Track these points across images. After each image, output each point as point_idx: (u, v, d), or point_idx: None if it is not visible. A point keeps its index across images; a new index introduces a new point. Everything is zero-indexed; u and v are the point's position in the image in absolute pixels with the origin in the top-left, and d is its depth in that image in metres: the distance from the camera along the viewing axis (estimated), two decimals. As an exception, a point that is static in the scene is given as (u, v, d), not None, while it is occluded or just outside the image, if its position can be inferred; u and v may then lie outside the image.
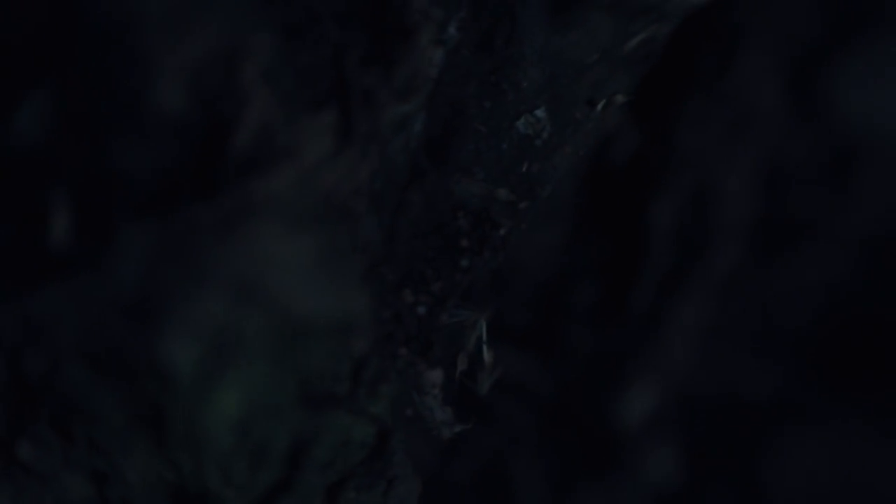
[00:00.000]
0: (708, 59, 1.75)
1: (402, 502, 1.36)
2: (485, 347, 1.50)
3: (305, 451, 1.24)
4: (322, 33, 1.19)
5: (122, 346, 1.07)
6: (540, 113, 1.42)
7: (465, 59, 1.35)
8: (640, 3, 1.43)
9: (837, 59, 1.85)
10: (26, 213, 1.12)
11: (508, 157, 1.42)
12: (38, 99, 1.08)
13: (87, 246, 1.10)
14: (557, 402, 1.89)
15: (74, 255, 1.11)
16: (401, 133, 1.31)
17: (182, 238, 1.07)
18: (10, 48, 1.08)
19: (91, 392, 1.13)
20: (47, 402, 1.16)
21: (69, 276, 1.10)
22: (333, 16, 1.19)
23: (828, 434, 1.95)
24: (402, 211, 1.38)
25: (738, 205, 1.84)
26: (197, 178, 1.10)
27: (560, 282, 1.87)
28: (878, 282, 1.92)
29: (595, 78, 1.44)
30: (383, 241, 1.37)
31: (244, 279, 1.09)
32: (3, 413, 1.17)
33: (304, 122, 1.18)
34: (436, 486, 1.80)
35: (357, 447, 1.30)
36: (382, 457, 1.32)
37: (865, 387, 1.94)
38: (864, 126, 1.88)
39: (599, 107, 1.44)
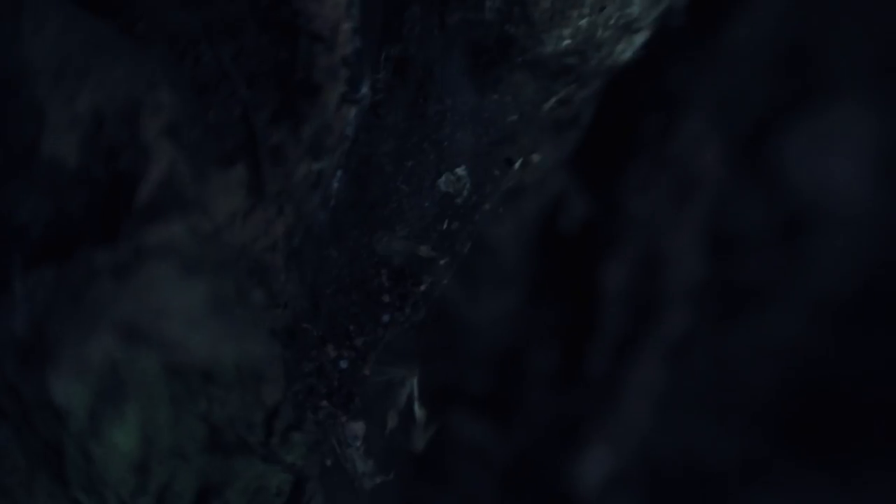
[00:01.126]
0: (651, 123, 1.80)
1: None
2: (416, 405, 1.54)
3: (216, 495, 1.27)
4: (232, 91, 1.24)
5: (17, 385, 1.12)
6: (461, 171, 1.47)
7: (383, 118, 1.40)
8: (561, 64, 1.48)
9: (785, 125, 1.89)
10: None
11: (430, 215, 1.47)
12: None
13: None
14: (515, 465, 1.92)
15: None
16: (317, 190, 1.36)
17: (77, 283, 1.12)
18: None
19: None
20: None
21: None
22: (243, 74, 1.24)
23: (789, 498, 1.96)
24: (325, 267, 1.43)
25: (688, 268, 1.88)
26: (95, 227, 1.15)
27: (516, 346, 1.91)
28: (834, 344, 1.94)
29: (515, 137, 1.48)
30: (306, 297, 1.42)
31: (138, 323, 1.13)
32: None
33: (212, 176, 1.23)
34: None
35: (272, 494, 1.33)
36: (300, 505, 1.36)
37: (825, 449, 1.95)
38: (815, 191, 1.91)
39: (517, 165, 1.49)
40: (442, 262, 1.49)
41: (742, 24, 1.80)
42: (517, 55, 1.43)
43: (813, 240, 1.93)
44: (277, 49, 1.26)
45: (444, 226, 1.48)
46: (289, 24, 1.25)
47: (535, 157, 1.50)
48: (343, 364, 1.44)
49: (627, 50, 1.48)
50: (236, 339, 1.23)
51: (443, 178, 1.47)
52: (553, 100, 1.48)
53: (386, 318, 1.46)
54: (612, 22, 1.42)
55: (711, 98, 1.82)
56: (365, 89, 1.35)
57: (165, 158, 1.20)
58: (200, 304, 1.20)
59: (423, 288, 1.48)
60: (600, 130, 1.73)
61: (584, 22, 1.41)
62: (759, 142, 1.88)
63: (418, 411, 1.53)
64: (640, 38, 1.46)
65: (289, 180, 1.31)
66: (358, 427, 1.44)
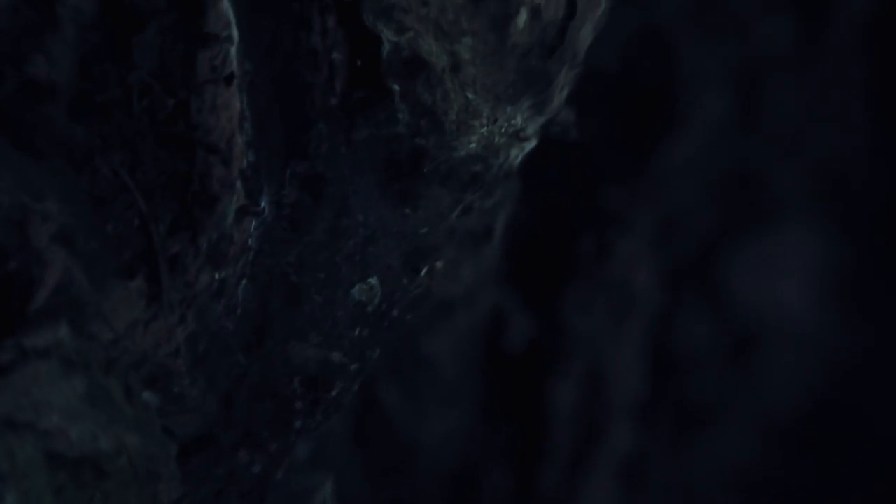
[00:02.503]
0: (585, 243, 1.85)
1: None
2: (332, 513, 1.59)
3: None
4: (130, 202, 1.31)
5: None
6: (373, 281, 1.53)
7: (292, 231, 1.47)
8: (469, 172, 1.55)
9: (730, 247, 1.94)
10: None
11: (343, 323, 1.53)
12: None
13: None
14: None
15: None
16: (220, 299, 1.42)
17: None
18: None
19: None
20: None
21: None
22: (141, 186, 1.32)
23: None
24: (237, 374, 1.48)
25: (634, 387, 1.91)
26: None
27: (465, 465, 1.94)
28: (784, 464, 1.96)
29: (427, 247, 1.55)
30: (217, 403, 1.47)
31: (16, 416, 1.19)
32: None
33: (111, 286, 1.30)
34: None
35: None
36: None
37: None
38: (762, 312, 1.95)
39: (423, 273, 1.55)
40: (353, 367, 1.54)
41: (678, 148, 1.86)
42: (428, 166, 1.50)
43: (761, 359, 1.96)
44: (175, 161, 1.33)
45: (356, 333, 1.54)
46: (186, 137, 1.33)
47: (439, 265, 1.55)
48: (256, 468, 1.49)
49: (519, 155, 1.55)
50: (124, 435, 1.29)
51: (356, 289, 1.53)
52: (459, 208, 1.55)
53: (297, 424, 1.52)
54: (503, 130, 1.49)
55: (650, 219, 1.88)
56: (264, 203, 1.42)
57: (60, 266, 1.26)
58: (84, 399, 1.25)
59: (334, 394, 1.54)
60: (529, 245, 1.79)
61: (484, 130, 1.48)
62: (705, 263, 1.93)
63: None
64: (528, 146, 1.52)
65: (190, 289, 1.37)
66: (268, 530, 1.48)
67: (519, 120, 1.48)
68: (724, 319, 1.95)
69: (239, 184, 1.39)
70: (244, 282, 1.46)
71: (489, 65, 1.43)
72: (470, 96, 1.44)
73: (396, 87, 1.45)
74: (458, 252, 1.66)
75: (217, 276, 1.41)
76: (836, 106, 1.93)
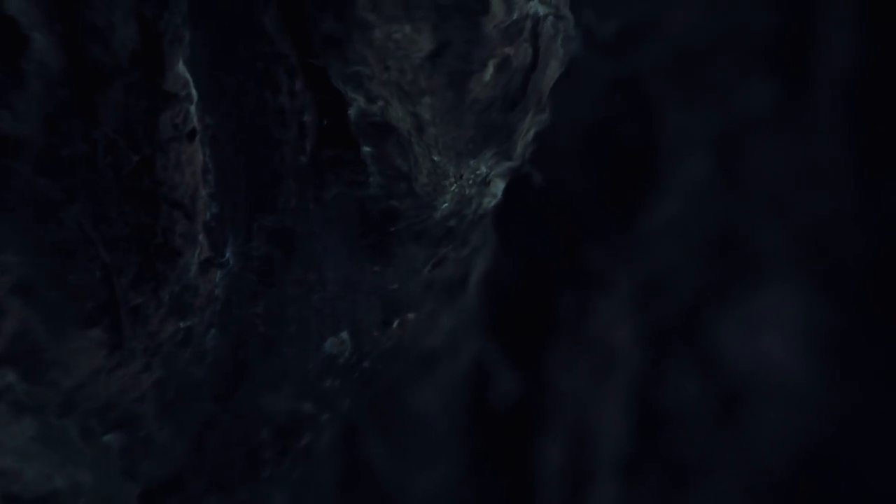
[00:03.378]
0: (567, 299, 1.88)
1: None
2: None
3: None
4: (93, 255, 1.36)
5: None
6: (344, 335, 1.57)
7: (260, 283, 1.52)
8: (444, 228, 1.59)
9: (715, 306, 1.96)
10: None
11: (313, 375, 1.57)
12: None
13: None
14: None
15: None
16: (187, 347, 1.47)
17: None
18: None
19: None
20: None
21: None
22: (105, 239, 1.36)
23: None
24: (208, 422, 1.53)
25: (619, 444, 1.94)
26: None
27: (453, 521, 1.97)
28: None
29: (397, 300, 1.59)
30: (187, 449, 1.51)
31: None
32: None
33: (71, 336, 1.35)
34: None
35: None
36: None
37: None
38: (747, 369, 1.97)
39: (394, 325, 1.58)
40: (323, 418, 1.58)
41: (659, 207, 1.89)
42: (401, 226, 1.54)
43: (748, 416, 1.98)
44: (138, 216, 1.38)
45: (327, 384, 1.58)
46: (150, 192, 1.38)
47: (410, 317, 1.59)
48: (224, 516, 1.53)
49: (492, 201, 1.59)
50: (79, 475, 1.33)
51: (327, 342, 1.57)
52: (432, 262, 1.58)
53: (266, 472, 1.55)
54: (471, 182, 1.53)
55: (633, 277, 1.91)
56: (229, 254, 1.46)
57: (16, 316, 1.31)
58: (36, 440, 1.30)
59: (303, 443, 1.57)
60: (511, 300, 1.83)
61: (454, 188, 1.52)
62: (690, 321, 1.95)
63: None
64: (498, 190, 1.56)
65: (153, 339, 1.41)
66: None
67: (483, 169, 1.52)
68: (710, 377, 1.97)
69: (202, 236, 1.43)
70: (213, 331, 1.50)
71: (448, 122, 1.47)
72: (436, 158, 1.48)
73: (368, 149, 1.49)
74: (434, 303, 1.70)
75: (182, 325, 1.45)
76: (819, 166, 1.96)
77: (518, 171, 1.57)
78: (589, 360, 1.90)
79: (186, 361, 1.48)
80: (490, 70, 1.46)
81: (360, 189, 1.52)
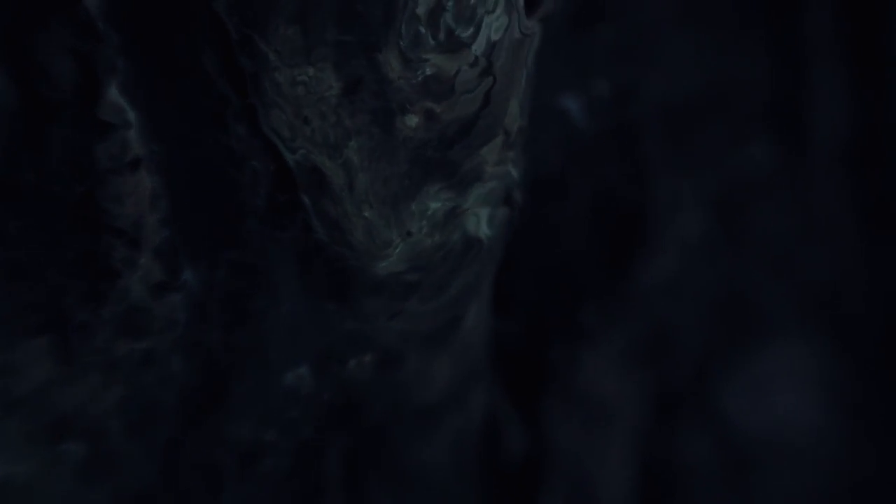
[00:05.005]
0: (566, 358, 1.94)
1: None
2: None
3: None
4: (42, 276, 1.50)
5: None
6: (303, 370, 1.67)
7: (222, 310, 1.62)
8: (406, 285, 1.67)
9: (722, 363, 1.98)
10: None
11: (275, 405, 1.66)
12: None
13: None
14: None
15: None
16: (150, 369, 1.58)
17: None
18: None
19: None
20: None
21: None
22: (53, 263, 1.50)
23: None
24: (174, 443, 1.63)
25: (619, 500, 1.96)
26: None
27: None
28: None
29: (353, 341, 1.68)
30: (154, 469, 1.62)
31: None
32: None
33: (18, 344, 1.48)
34: None
35: None
36: None
37: None
38: (759, 428, 1.98)
39: (352, 364, 1.67)
40: (282, 445, 1.67)
41: (658, 266, 1.94)
42: (352, 275, 1.62)
43: (759, 478, 1.98)
44: (83, 242, 1.51)
45: (289, 414, 1.67)
46: (93, 221, 1.51)
47: (368, 358, 1.67)
48: (187, 536, 1.62)
49: (478, 230, 1.66)
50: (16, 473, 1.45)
51: (287, 375, 1.66)
52: (389, 312, 1.66)
53: (228, 495, 1.65)
54: (425, 229, 1.60)
55: (634, 336, 1.95)
56: (189, 277, 1.57)
57: None
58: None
59: (264, 468, 1.66)
60: (509, 355, 1.89)
61: (399, 248, 1.60)
62: (696, 381, 1.98)
63: None
64: (481, 225, 1.63)
65: (107, 354, 1.53)
66: None
67: (433, 206, 1.60)
68: (718, 437, 1.98)
69: (151, 261, 1.55)
70: (177, 356, 1.61)
71: (379, 160, 1.55)
72: (367, 214, 1.56)
73: (306, 198, 1.59)
74: (418, 350, 1.77)
75: (137, 346, 1.56)
76: (820, 225, 1.98)
77: (497, 201, 1.64)
78: (591, 418, 1.94)
79: (151, 383, 1.58)
80: (414, 119, 1.54)
81: (312, 233, 1.61)
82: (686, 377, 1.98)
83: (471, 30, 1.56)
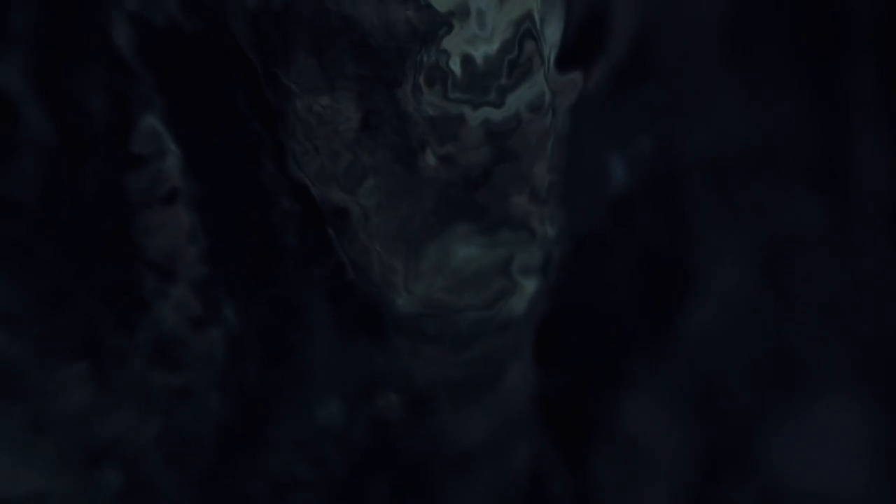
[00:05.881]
0: (610, 409, 1.95)
1: None
2: None
3: None
4: (79, 303, 1.57)
5: None
6: (334, 407, 1.71)
7: (260, 345, 1.67)
8: (420, 329, 1.71)
9: (769, 419, 1.98)
10: None
11: (309, 440, 1.70)
12: None
13: None
14: None
15: None
16: (187, 403, 1.64)
17: None
18: None
19: None
20: None
21: None
22: (89, 291, 1.57)
23: None
24: (210, 476, 1.68)
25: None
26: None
27: None
28: None
29: (382, 376, 1.71)
30: (190, 500, 1.67)
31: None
32: None
33: (54, 369, 1.55)
34: None
35: None
36: None
37: None
38: (806, 485, 1.97)
39: (382, 402, 1.71)
40: (316, 480, 1.70)
41: (702, 321, 1.95)
42: (378, 311, 1.67)
43: (809, 534, 1.96)
44: (117, 272, 1.57)
45: (321, 449, 1.71)
46: (127, 253, 1.57)
47: (394, 397, 1.71)
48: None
49: (514, 307, 1.69)
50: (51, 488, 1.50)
51: (320, 412, 1.70)
52: (416, 353, 1.70)
53: (261, 526, 1.68)
54: (441, 283, 1.64)
55: (678, 388, 1.95)
56: (228, 314, 1.63)
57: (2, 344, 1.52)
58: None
59: (298, 502, 1.70)
60: (551, 404, 1.90)
61: (417, 287, 1.63)
62: (742, 433, 1.97)
63: None
64: (530, 286, 1.66)
65: (142, 386, 1.59)
66: None
67: (468, 257, 1.63)
68: (763, 493, 1.97)
69: (189, 294, 1.61)
70: (215, 392, 1.66)
71: (401, 198, 1.60)
72: (379, 248, 1.60)
73: (333, 236, 1.64)
74: (458, 398, 1.80)
75: (175, 379, 1.62)
76: (869, 280, 1.98)
77: (544, 267, 1.67)
78: (636, 469, 1.95)
79: (189, 417, 1.63)
80: (431, 157, 1.59)
81: (340, 274, 1.65)
82: (732, 430, 1.97)
83: (494, 81, 1.59)
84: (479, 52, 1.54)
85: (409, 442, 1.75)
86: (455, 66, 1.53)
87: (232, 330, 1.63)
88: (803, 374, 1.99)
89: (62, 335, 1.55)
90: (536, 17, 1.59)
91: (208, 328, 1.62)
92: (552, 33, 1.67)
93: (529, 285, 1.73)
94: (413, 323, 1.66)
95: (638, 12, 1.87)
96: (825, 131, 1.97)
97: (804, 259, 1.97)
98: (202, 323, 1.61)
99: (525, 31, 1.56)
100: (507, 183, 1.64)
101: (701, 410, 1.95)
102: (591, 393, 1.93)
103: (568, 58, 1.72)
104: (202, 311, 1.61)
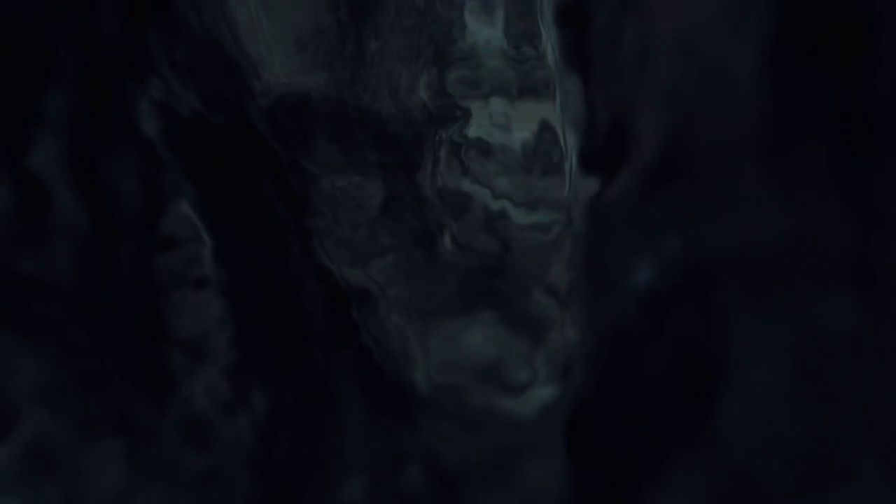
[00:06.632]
0: (631, 500, 1.95)
1: None
2: None
3: None
4: (111, 383, 1.62)
5: None
6: (360, 485, 1.74)
7: (288, 431, 1.71)
8: (475, 413, 1.74)
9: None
10: None
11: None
12: None
13: None
14: None
15: None
16: (214, 486, 1.68)
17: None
18: None
19: None
20: None
21: None
22: (120, 371, 1.63)
23: None
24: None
25: None
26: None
27: None
28: None
29: (407, 458, 1.74)
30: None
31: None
32: None
33: (87, 450, 1.60)
34: None
35: None
36: None
37: None
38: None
39: (407, 481, 1.73)
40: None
41: (739, 417, 1.95)
42: (403, 391, 1.70)
43: None
44: (147, 352, 1.63)
45: (347, 528, 1.73)
46: (157, 334, 1.63)
47: (421, 477, 1.73)
48: None
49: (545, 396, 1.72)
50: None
51: (345, 485, 1.73)
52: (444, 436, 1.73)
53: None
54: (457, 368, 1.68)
55: (708, 484, 1.95)
56: (257, 401, 1.68)
57: (34, 424, 1.57)
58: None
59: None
60: (585, 497, 1.91)
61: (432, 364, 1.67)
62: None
63: None
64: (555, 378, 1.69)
65: (175, 468, 1.63)
66: None
67: (487, 347, 1.67)
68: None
69: (219, 378, 1.65)
70: (241, 475, 1.70)
71: (420, 278, 1.63)
72: (395, 320, 1.64)
73: (357, 317, 1.68)
74: (485, 484, 1.81)
75: (203, 461, 1.66)
76: (906, 379, 1.97)
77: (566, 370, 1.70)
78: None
79: (218, 498, 1.67)
80: (449, 242, 1.63)
81: (369, 352, 1.70)
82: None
83: (513, 173, 1.63)
84: (497, 142, 1.58)
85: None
86: (473, 153, 1.57)
87: (261, 414, 1.67)
88: (840, 474, 1.98)
89: (96, 414, 1.60)
90: (557, 112, 1.62)
91: (237, 413, 1.66)
92: (573, 131, 1.70)
93: (555, 378, 1.75)
94: (436, 404, 1.69)
95: (667, 112, 1.91)
96: (860, 231, 1.99)
97: (841, 359, 1.97)
98: (231, 407, 1.65)
99: (544, 124, 1.59)
100: (526, 277, 1.67)
101: (726, 496, 1.95)
102: (625, 490, 1.94)
103: (590, 157, 1.75)
104: (231, 395, 1.65)
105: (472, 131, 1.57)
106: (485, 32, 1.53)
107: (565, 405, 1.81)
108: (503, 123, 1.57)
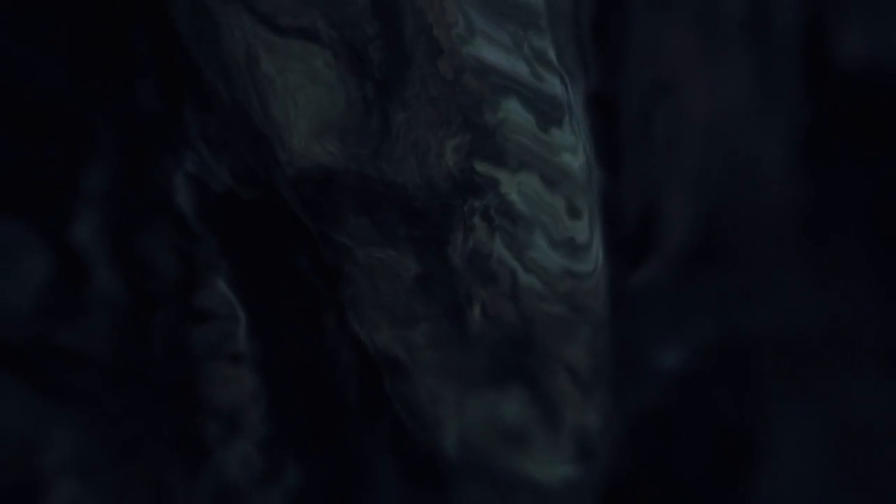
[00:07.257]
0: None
1: None
2: None
3: None
4: (145, 451, 1.65)
5: None
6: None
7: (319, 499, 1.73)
8: (504, 480, 1.75)
9: None
10: None
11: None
12: None
13: None
14: None
15: None
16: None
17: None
18: None
19: None
20: None
21: None
22: (154, 442, 1.66)
23: None
24: None
25: None
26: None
27: None
28: None
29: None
30: None
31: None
32: None
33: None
34: None
35: None
36: None
37: None
38: None
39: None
40: None
41: (769, 496, 1.95)
42: (434, 459, 1.72)
43: None
44: (182, 422, 1.66)
45: None
46: (191, 405, 1.66)
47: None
48: None
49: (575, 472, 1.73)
50: None
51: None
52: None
53: None
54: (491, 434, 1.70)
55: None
56: (291, 474, 1.69)
57: (64, 493, 1.60)
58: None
59: None
60: None
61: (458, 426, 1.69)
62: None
63: None
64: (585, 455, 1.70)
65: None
66: None
67: (511, 416, 1.68)
68: None
69: (253, 451, 1.67)
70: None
71: (452, 348, 1.66)
72: (427, 383, 1.66)
73: (389, 387, 1.70)
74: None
75: (234, 532, 1.68)
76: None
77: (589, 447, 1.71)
78: None
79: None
80: (477, 310, 1.65)
81: (401, 423, 1.71)
82: None
83: (539, 251, 1.65)
84: (525, 215, 1.60)
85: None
86: (501, 222, 1.59)
87: (293, 487, 1.69)
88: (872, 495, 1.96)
89: (131, 484, 1.62)
90: (584, 194, 1.64)
91: (270, 485, 1.67)
92: (601, 214, 1.72)
93: (576, 458, 1.76)
94: (467, 469, 1.69)
95: (697, 198, 1.93)
96: (892, 314, 1.99)
97: (876, 443, 1.97)
98: (264, 479, 1.67)
99: (570, 205, 1.61)
100: (549, 355, 1.68)
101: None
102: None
103: (619, 241, 1.77)
104: (264, 467, 1.67)
105: (500, 203, 1.59)
106: (514, 108, 1.55)
107: (594, 482, 1.81)
108: (533, 199, 1.59)
